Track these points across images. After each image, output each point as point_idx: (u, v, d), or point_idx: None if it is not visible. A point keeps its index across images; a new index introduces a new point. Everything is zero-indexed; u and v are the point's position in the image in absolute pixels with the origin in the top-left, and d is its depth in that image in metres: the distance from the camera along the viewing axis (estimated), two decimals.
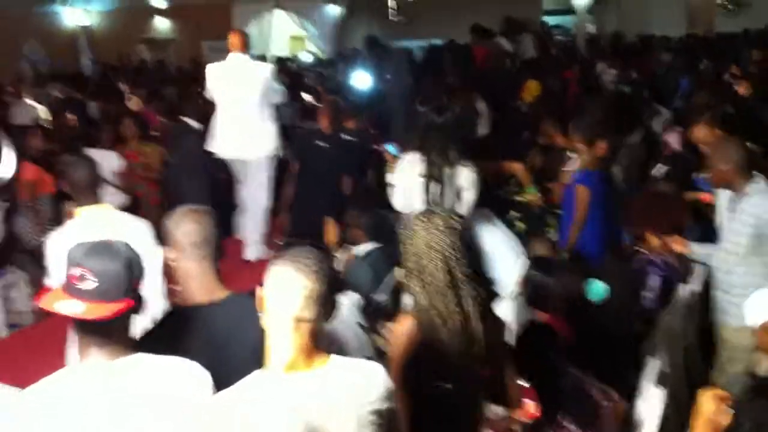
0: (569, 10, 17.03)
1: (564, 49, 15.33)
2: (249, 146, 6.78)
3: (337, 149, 6.76)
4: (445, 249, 2.85)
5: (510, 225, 6.00)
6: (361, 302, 4.20)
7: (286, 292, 2.11)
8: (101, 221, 3.93)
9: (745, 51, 11.26)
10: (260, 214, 7.01)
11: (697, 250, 4.39)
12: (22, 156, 6.92)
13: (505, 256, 5.11)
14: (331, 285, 2.17)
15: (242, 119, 6.77)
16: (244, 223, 7.10)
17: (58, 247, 3.75)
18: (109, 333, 2.12)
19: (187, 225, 2.70)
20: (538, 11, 18.93)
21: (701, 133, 5.24)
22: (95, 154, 7.17)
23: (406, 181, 4.82)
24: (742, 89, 8.10)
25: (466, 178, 4.78)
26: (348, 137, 6.99)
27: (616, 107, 7.97)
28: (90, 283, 2.07)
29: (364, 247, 4.97)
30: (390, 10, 15.26)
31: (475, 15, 15.31)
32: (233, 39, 6.93)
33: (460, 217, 3.79)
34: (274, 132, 6.90)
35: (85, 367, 2.13)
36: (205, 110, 7.87)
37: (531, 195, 6.30)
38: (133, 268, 2.15)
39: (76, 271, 2.08)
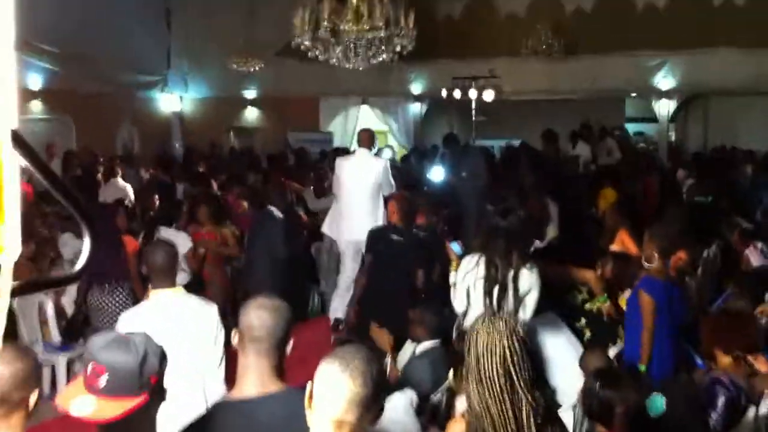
0: (652, 118, 16.98)
1: (645, 156, 15.26)
2: (362, 229, 7.50)
3: (410, 244, 6.87)
4: (505, 354, 2.82)
5: (579, 333, 5.91)
6: (418, 402, 4.18)
7: (330, 392, 2.12)
8: (171, 304, 4.09)
9: None
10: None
11: None
12: (118, 232, 7.22)
13: (567, 364, 5.04)
14: (378, 388, 2.16)
15: (360, 205, 7.93)
16: (340, 300, 8.04)
17: (128, 327, 3.89)
18: (126, 426, 2.12)
19: (251, 318, 2.73)
20: (621, 117, 18.96)
21: None
22: (166, 232, 7.45)
23: (468, 282, 4.83)
24: None
25: (528, 281, 4.76)
26: (420, 233, 7.11)
27: (694, 218, 7.87)
28: (103, 379, 2.10)
29: (426, 345, 4.96)
30: (471, 109, 15.52)
31: (556, 117, 15.46)
32: (363, 135, 8.50)
33: (523, 321, 3.75)
34: (381, 217, 7.93)
35: None
36: (290, 199, 8.21)
37: (602, 304, 6.19)
38: (148, 363, 2.17)
39: (91, 366, 2.13)
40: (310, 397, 2.16)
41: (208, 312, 4.18)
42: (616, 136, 15.83)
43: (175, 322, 3.98)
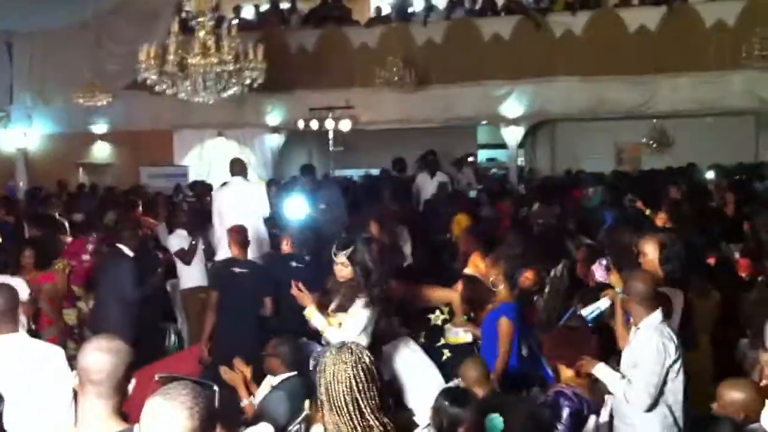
0: (503, 145, 17.62)
1: (498, 182, 15.82)
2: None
3: (255, 274, 6.82)
4: (351, 383, 2.87)
5: (438, 353, 6.02)
6: None
7: (157, 428, 2.11)
8: (13, 349, 3.97)
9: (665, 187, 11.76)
10: None
11: (602, 373, 4.46)
12: None
13: (421, 385, 5.15)
14: (207, 422, 2.16)
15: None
16: None
17: None
18: None
19: (89, 361, 2.67)
20: (473, 144, 19.59)
21: (650, 245, 5.33)
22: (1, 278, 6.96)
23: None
24: (659, 221, 8.42)
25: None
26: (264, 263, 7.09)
27: (541, 240, 8.21)
28: None
29: (283, 376, 4.94)
30: (329, 140, 15.67)
31: (412, 146, 15.75)
32: (236, 164, 8.78)
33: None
34: (263, 240, 8.27)
35: None
36: (141, 237, 7.90)
37: (462, 324, 6.33)
38: None
39: None
40: None
41: (53, 355, 4.06)
42: (471, 163, 16.36)
43: (18, 366, 3.88)
